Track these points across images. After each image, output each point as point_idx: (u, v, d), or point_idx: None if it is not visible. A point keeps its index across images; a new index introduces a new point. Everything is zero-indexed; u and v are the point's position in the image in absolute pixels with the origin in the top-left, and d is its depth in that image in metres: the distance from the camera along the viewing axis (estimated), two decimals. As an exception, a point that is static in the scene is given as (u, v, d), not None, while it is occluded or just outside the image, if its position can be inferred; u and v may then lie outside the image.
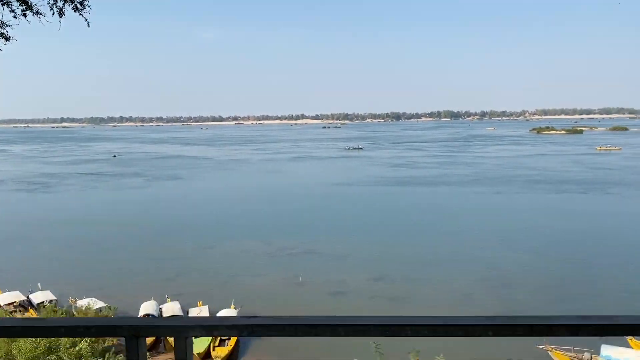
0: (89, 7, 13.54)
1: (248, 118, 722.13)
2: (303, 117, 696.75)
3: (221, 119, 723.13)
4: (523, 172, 75.53)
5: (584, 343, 19.03)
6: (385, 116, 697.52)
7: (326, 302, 24.73)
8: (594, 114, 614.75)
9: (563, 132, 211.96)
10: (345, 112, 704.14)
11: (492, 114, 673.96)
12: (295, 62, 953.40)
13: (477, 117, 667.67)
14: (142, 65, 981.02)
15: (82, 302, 22.88)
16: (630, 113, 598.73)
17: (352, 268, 30.20)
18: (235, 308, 22.97)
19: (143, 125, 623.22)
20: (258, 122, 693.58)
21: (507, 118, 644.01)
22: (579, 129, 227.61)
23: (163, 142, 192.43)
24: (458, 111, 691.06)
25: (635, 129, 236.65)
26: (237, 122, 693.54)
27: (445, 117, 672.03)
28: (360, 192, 59.77)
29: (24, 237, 39.59)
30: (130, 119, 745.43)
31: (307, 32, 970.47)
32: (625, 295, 25.02)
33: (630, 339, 18.99)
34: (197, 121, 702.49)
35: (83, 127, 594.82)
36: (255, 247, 35.26)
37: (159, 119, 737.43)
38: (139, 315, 22.47)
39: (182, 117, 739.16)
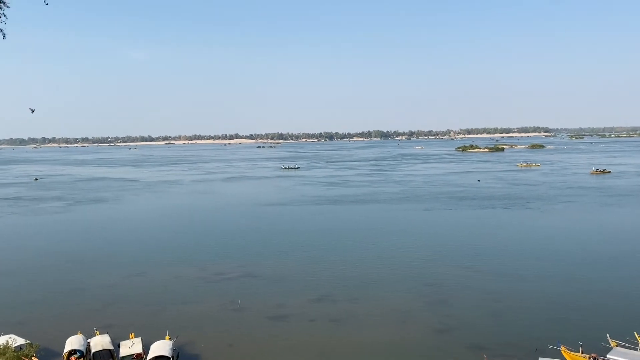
0: (4, 16, 12.71)
1: (179, 138, 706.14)
2: (237, 136, 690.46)
3: (151, 139, 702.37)
4: (450, 189, 78.51)
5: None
6: (319, 136, 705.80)
7: (267, 328, 24.13)
8: (513, 132, 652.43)
9: (486, 150, 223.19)
10: (280, 132, 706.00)
11: (420, 133, 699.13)
12: (228, 82, 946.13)
13: (406, 136, 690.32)
14: (68, 85, 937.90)
15: (-1, 340, 21.01)
16: (545, 132, 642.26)
17: (291, 290, 29.81)
18: (170, 339, 21.67)
19: (67, 147, 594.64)
20: (190, 141, 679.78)
21: (433, 137, 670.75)
22: (500, 146, 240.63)
23: (88, 164, 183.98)
24: (387, 131, 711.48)
25: (551, 147, 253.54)
26: (168, 142, 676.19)
27: (375, 136, 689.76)
28: (295, 211, 59.71)
29: None
30: (53, 140, 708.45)
31: (242, 51, 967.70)
32: (554, 306, 26.30)
33: None
34: (126, 141, 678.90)
35: (1, 148, 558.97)
36: (189, 272, 34.08)
37: (85, 140, 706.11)
38: (64, 352, 20.99)
39: (109, 137, 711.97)
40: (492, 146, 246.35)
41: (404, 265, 34.74)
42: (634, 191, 71.36)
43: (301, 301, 27.87)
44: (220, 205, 66.65)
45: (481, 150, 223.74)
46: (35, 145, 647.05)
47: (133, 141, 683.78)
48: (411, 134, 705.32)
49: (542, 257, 36.25)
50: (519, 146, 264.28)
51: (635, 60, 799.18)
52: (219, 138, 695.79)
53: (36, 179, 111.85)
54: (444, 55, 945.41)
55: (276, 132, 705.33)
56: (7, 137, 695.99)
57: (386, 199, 68.18)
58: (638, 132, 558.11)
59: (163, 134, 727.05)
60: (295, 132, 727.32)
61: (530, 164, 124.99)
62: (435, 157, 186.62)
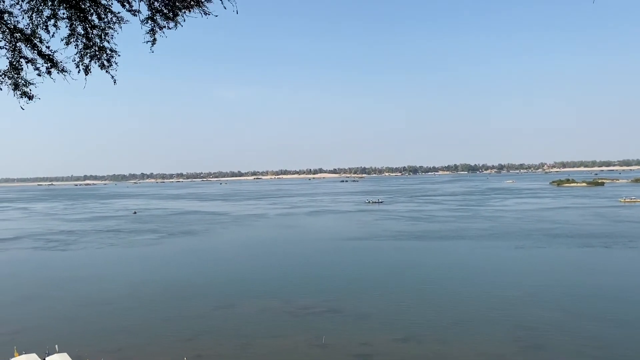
0: (116, 64, 13.55)
1: (267, 173, 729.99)
2: (321, 171, 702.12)
3: (240, 174, 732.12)
4: (544, 225, 73.74)
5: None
6: (403, 170, 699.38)
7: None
8: (614, 166, 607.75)
9: (584, 184, 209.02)
10: (363, 166, 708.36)
11: (510, 166, 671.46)
12: (314, 119, 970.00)
13: (495, 170, 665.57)
14: (165, 124, 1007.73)
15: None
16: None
17: (376, 328, 28.90)
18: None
19: (164, 182, 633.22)
20: (276, 176, 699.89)
21: (525, 171, 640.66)
22: (600, 181, 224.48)
23: (181, 198, 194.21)
24: (475, 164, 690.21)
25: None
26: (256, 177, 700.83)
27: (462, 170, 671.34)
28: (378, 246, 58.64)
29: (40, 296, 39.18)
30: (151, 176, 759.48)
31: (324, 92, 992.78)
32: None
33: None
34: (217, 177, 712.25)
35: (105, 184, 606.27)
36: (274, 306, 34.18)
37: (179, 175, 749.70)
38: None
39: (202, 173, 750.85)
40: (591, 180, 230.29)
41: (495, 305, 32.61)
42: None
43: (386, 340, 26.87)
44: (304, 238, 67.10)
45: (579, 184, 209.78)
46: (135, 181, 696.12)
47: (224, 176, 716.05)
48: (501, 167, 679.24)
49: (652, 302, 32.54)
50: (621, 180, 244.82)
51: None
52: (303, 173, 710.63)
53: (135, 212, 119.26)
54: (535, 86, 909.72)
55: (359, 166, 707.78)
56: (111, 174, 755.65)
57: (474, 236, 65.22)
58: None
59: (252, 169, 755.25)
60: (378, 166, 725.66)
61: (635, 200, 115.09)
62: (527, 191, 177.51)
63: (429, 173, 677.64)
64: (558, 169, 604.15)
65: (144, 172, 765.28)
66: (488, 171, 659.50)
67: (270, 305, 34.40)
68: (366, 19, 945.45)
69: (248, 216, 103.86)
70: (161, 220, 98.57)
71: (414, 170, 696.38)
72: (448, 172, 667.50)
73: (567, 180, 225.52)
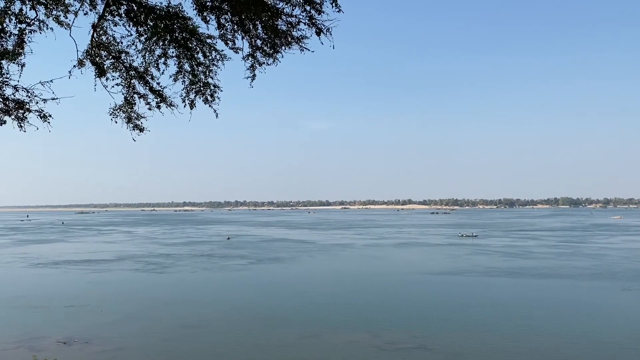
0: (218, 99, 14.60)
1: (354, 203, 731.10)
2: (410, 202, 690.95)
3: (328, 204, 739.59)
4: (658, 266, 67.07)
5: None
6: (498, 202, 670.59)
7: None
8: None
9: None
10: (455, 198, 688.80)
11: (617, 201, 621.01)
12: (402, 148, 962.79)
13: (600, 204, 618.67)
14: (258, 154, 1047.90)
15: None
16: None
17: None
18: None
19: (255, 209, 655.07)
20: (364, 206, 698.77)
21: (634, 206, 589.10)
22: None
23: (271, 226, 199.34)
24: (578, 198, 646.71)
25: None
26: (344, 206, 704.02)
27: (563, 204, 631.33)
28: (469, 282, 56.32)
29: (139, 316, 41.61)
30: (244, 203, 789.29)
31: (413, 120, 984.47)
32: None
33: None
34: (306, 205, 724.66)
35: (202, 210, 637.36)
36: (361, 338, 33.79)
37: (270, 203, 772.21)
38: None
39: (291, 201, 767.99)
40: None
41: (599, 354, 29.99)
42: None
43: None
44: (390, 271, 66.09)
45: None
46: (229, 208, 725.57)
47: (312, 205, 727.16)
48: (607, 201, 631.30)
49: None
50: None
51: None
52: (392, 203, 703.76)
53: (229, 238, 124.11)
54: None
55: (451, 197, 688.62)
56: (207, 201, 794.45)
57: (574, 274, 60.74)
58: None
59: (339, 199, 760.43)
60: (472, 197, 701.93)
61: None
62: (637, 228, 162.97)
63: (527, 206, 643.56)
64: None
65: (238, 200, 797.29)
66: (592, 206, 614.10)
67: (356, 337, 34.02)
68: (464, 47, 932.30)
69: (334, 245, 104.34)
70: (251, 247, 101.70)
71: (510, 203, 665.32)
72: (547, 206, 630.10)
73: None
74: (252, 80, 13.26)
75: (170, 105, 13.96)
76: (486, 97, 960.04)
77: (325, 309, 43.12)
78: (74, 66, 12.18)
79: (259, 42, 12.52)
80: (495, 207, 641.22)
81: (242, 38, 12.56)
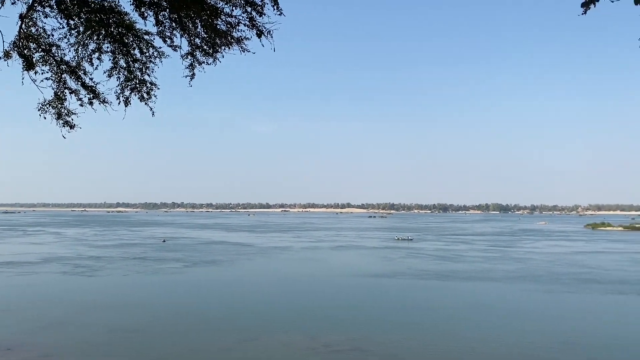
0: (155, 97, 14.26)
1: (294, 206, 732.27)
2: (349, 205, 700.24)
3: (268, 206, 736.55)
4: (576, 269, 71.57)
5: None
6: (432, 207, 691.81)
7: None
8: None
9: (621, 228, 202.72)
10: (392, 202, 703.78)
11: (543, 208, 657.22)
12: (342, 152, 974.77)
13: (527, 211, 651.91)
14: (197, 154, 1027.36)
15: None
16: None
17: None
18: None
19: (193, 211, 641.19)
20: (304, 209, 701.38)
21: (558, 213, 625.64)
22: (637, 225, 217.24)
23: (209, 228, 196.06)
24: (507, 204, 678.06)
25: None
26: (284, 209, 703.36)
27: (494, 210, 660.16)
28: (403, 285, 57.81)
29: (67, 321, 39.72)
30: (181, 205, 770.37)
31: (356, 124, 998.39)
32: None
33: None
34: (245, 208, 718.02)
35: (136, 212, 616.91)
36: (298, 341, 33.80)
37: (209, 205, 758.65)
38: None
39: (230, 203, 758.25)
40: (628, 224, 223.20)
41: (521, 352, 31.61)
42: None
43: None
44: (328, 273, 66.70)
45: (615, 228, 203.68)
46: (165, 210, 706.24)
47: (252, 208, 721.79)
48: (533, 208, 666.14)
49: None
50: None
51: None
52: (331, 207, 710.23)
53: (164, 241, 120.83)
54: (571, 126, 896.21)
55: (388, 202, 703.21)
56: (142, 202, 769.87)
57: (502, 277, 63.72)
58: None
59: (279, 202, 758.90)
60: (408, 202, 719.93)
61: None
62: (560, 234, 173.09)
63: (460, 211, 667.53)
64: (593, 212, 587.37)
65: (175, 202, 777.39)
66: (520, 212, 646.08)
67: (293, 340, 34.05)
68: (392, 55, 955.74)
69: (273, 248, 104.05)
70: (188, 249, 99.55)
71: (444, 208, 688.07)
72: (479, 211, 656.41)
73: (603, 224, 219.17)
74: (192, 79, 13.09)
75: (104, 102, 13.53)
76: (424, 104, 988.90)
77: (263, 312, 42.90)
78: (0, 58, 11.56)
79: (198, 41, 12.37)
80: (429, 211, 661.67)
81: (181, 36, 12.37)
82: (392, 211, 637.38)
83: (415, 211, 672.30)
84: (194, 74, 13.21)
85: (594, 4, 6.05)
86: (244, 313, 42.67)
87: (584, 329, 37.76)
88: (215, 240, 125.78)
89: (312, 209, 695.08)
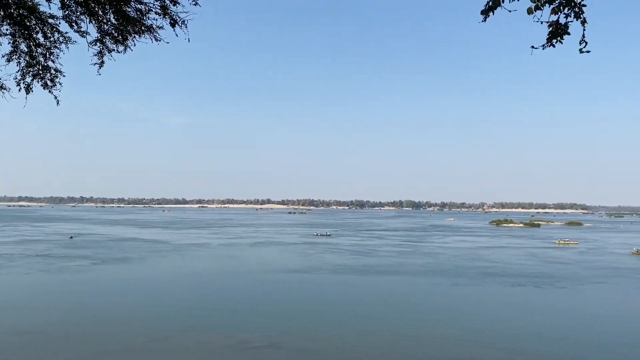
0: (60, 84, 13.40)
1: (212, 201, 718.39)
2: (269, 201, 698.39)
3: (185, 202, 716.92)
4: (480, 263, 76.24)
5: None
6: (350, 204, 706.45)
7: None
8: (549, 208, 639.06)
9: (521, 225, 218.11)
10: (311, 199, 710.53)
11: (452, 205, 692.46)
12: (263, 148, 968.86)
13: (438, 207, 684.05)
14: (108, 146, 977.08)
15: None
16: (582, 209, 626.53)
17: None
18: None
19: (104, 206, 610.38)
20: (222, 205, 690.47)
21: (466, 210, 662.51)
22: (536, 222, 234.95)
23: (121, 224, 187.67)
24: (419, 201, 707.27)
25: (589, 224, 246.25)
26: (201, 205, 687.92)
27: (407, 206, 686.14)
28: (321, 280, 58.72)
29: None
30: (90, 200, 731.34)
31: (276, 120, 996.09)
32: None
33: None
34: (160, 203, 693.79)
35: (41, 206, 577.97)
36: (213, 339, 33.33)
37: (121, 200, 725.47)
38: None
39: (144, 199, 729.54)
40: (528, 221, 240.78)
41: (430, 342, 33.28)
42: (677, 274, 67.64)
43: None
44: (245, 270, 66.24)
45: (516, 225, 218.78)
46: (73, 204, 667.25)
47: (167, 203, 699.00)
48: (443, 205, 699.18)
49: (576, 343, 34.19)
50: (555, 222, 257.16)
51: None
52: (251, 203, 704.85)
53: (72, 237, 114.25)
54: (479, 129, 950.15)
55: (307, 198, 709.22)
56: (48, 196, 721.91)
57: (413, 271, 66.53)
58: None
59: (197, 197, 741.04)
60: (327, 199, 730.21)
61: (568, 242, 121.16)
62: (467, 230, 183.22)
63: (376, 208, 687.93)
64: (497, 209, 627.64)
65: (84, 196, 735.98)
66: (431, 208, 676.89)
67: (208, 338, 33.57)
68: (322, 52, 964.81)
69: (189, 245, 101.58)
70: (97, 246, 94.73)
71: (361, 204, 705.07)
72: (393, 208, 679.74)
73: (505, 221, 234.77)
74: (100, 67, 12.48)
75: (1, 88, 12.58)
76: (344, 105, 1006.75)
77: (176, 311, 41.79)
78: None
79: (107, 28, 11.85)
80: (347, 207, 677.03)
81: (89, 21, 11.78)
82: (311, 207, 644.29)
83: (334, 207, 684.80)
84: (103, 62, 12.59)
85: (493, 11, 6.50)
86: (155, 312, 41.32)
87: (487, 319, 40.34)
88: (127, 237, 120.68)
89: (231, 205, 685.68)
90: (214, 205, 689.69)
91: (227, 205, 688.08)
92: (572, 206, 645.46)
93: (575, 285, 57.13)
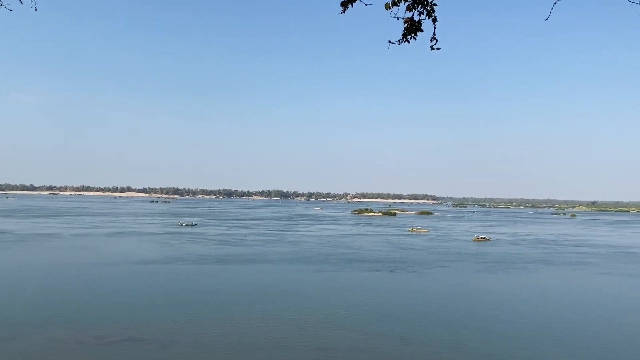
0: None
1: (65, 188, 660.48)
2: (129, 189, 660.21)
3: (33, 188, 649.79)
4: (341, 250, 79.92)
5: None
6: (217, 192, 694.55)
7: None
8: (405, 198, 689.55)
9: (380, 214, 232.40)
10: (176, 187, 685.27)
11: (318, 195, 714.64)
12: (123, 134, 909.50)
13: (305, 197, 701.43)
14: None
15: None
16: (433, 199, 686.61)
17: (181, 356, 28.01)
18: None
19: None
20: (77, 192, 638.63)
21: (331, 199, 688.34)
22: (392, 211, 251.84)
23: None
24: (287, 191, 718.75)
25: (438, 214, 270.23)
26: (52, 192, 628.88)
27: (275, 196, 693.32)
28: (183, 270, 57.22)
29: None
30: None
31: (136, 103, 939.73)
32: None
33: None
34: (4, 190, 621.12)
35: None
36: (65, 336, 30.76)
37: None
38: None
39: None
40: (385, 211, 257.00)
41: (295, 328, 34.18)
42: (507, 259, 77.01)
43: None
44: (101, 262, 62.11)
45: (375, 214, 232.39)
46: None
47: (12, 190, 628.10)
48: (310, 195, 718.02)
49: (425, 320, 37.45)
50: (409, 212, 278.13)
51: (510, 140, 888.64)
52: (109, 190, 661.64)
53: None
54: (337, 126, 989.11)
55: (172, 186, 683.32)
56: None
57: (278, 260, 67.66)
58: (514, 203, 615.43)
59: (47, 184, 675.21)
60: (192, 187, 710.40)
61: (420, 229, 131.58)
62: (331, 218, 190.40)
63: (244, 197, 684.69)
64: (359, 199, 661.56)
65: None
66: (299, 198, 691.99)
67: (60, 335, 30.99)
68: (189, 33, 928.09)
69: (36, 235, 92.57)
70: None
71: (228, 193, 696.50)
72: (262, 197, 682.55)
73: (366, 210, 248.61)
74: None
75: None
76: (210, 94, 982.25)
77: (22, 307, 37.92)
78: None
79: None
80: (214, 197, 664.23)
81: None
82: (176, 196, 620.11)
83: (200, 196, 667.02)
84: None
85: (352, 4, 6.80)
86: (-6, 310, 37.17)
87: (348, 302, 42.46)
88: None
89: (86, 192, 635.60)
90: (67, 193, 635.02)
91: (82, 193, 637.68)
92: (424, 197, 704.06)
93: (424, 269, 62.42)
